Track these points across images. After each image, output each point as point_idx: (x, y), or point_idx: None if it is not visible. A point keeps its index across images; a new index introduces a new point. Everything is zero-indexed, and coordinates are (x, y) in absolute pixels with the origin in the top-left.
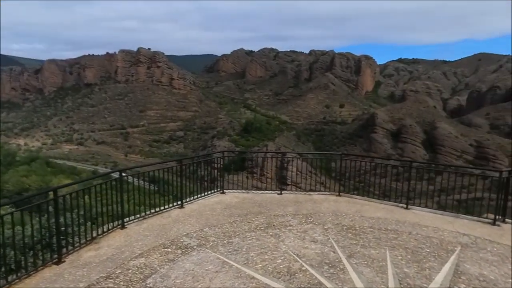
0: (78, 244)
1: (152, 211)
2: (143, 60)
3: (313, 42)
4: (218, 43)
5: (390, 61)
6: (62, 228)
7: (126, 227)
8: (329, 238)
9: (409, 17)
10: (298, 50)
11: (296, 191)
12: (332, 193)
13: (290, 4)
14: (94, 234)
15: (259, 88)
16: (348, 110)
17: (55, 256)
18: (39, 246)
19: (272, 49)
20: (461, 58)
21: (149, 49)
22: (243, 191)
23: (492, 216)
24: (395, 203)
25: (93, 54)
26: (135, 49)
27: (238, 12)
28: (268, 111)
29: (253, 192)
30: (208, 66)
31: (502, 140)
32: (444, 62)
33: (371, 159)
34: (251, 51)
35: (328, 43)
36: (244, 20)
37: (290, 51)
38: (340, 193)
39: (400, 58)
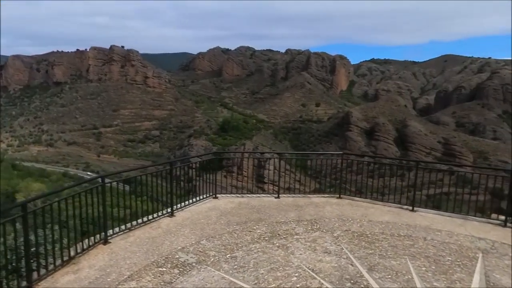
0: (53, 266)
1: (139, 221)
2: (117, 58)
3: (289, 41)
4: (193, 41)
5: (363, 61)
6: (33, 249)
7: (110, 242)
8: (342, 248)
9: (381, 18)
10: (275, 49)
11: (293, 194)
12: (332, 195)
13: (266, 3)
14: (72, 253)
15: (236, 86)
16: (324, 108)
17: (24, 284)
18: (3, 273)
19: (248, 48)
20: (429, 59)
21: (123, 47)
22: (237, 195)
23: (494, 216)
24: (399, 205)
25: (62, 51)
26: (107, 46)
27: (213, 10)
28: (245, 109)
29: (248, 196)
30: (183, 64)
31: (467, 137)
32: (414, 62)
33: (371, 158)
34: (228, 50)
35: (304, 42)
36: (220, 19)
37: (267, 50)
38: (341, 195)
39: (373, 58)
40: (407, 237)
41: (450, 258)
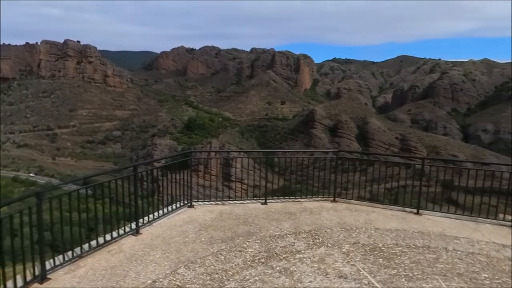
0: None
1: (93, 243)
2: (72, 54)
3: (253, 41)
4: (156, 39)
5: (326, 60)
6: None
7: (50, 279)
8: (358, 269)
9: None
10: (240, 48)
11: (281, 198)
12: (325, 198)
13: (230, 3)
14: None
15: (201, 85)
16: (289, 106)
17: None
18: None
19: (213, 47)
20: (387, 60)
21: (79, 42)
22: (217, 202)
23: (501, 216)
24: (402, 208)
25: (9, 44)
26: (61, 40)
27: (176, 8)
28: (211, 108)
29: (230, 203)
30: (146, 63)
31: (421, 133)
32: (373, 63)
33: (368, 155)
34: (192, 49)
35: (268, 41)
36: (184, 17)
37: (232, 49)
38: (336, 199)
39: (335, 58)
40: (426, 248)
41: (486, 275)
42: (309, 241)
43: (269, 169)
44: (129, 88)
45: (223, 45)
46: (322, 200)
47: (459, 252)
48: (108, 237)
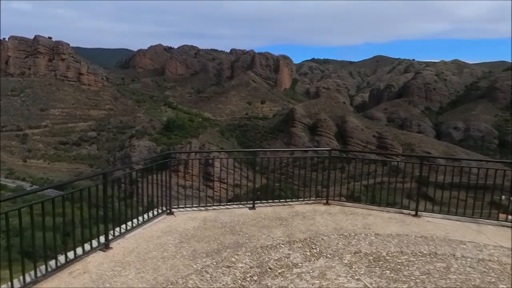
0: None
1: (52, 264)
2: (43, 50)
3: (232, 41)
4: (132, 36)
5: (305, 60)
6: None
7: None
8: (366, 284)
9: (320, 21)
10: (219, 49)
11: (270, 201)
12: (317, 200)
13: (210, 2)
14: None
15: (180, 85)
16: (269, 106)
17: None
18: None
19: (192, 47)
20: (363, 60)
21: (50, 38)
22: (200, 207)
23: (503, 216)
24: (399, 210)
25: None
26: (30, 36)
27: (154, 5)
28: (190, 109)
29: (214, 209)
30: (122, 61)
31: (397, 131)
32: (350, 62)
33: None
34: (171, 48)
35: (247, 42)
36: (161, 14)
37: (211, 49)
38: (329, 201)
39: (313, 58)
40: (434, 256)
41: (504, 286)
42: (305, 251)
43: (251, 168)
44: (105, 87)
45: (202, 44)
46: (314, 203)
47: (469, 259)
48: (70, 254)
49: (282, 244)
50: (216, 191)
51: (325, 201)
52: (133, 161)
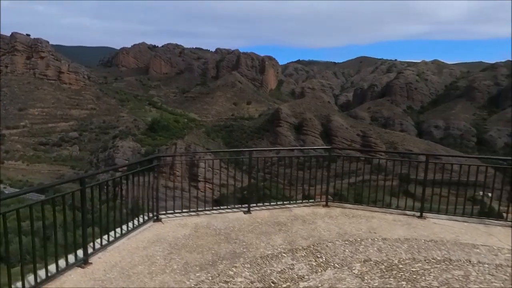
0: None
1: (19, 286)
2: (21, 48)
3: (217, 41)
4: (115, 34)
5: (290, 62)
6: None
7: None
8: None
9: (305, 22)
10: (204, 48)
11: (267, 204)
12: (317, 203)
13: (195, 1)
14: None
15: (164, 85)
16: (255, 106)
17: None
18: None
19: (177, 45)
20: (347, 60)
21: (28, 35)
22: (190, 212)
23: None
24: (402, 211)
25: None
26: (7, 33)
27: (138, 2)
28: (175, 109)
29: (205, 214)
30: (105, 59)
31: (380, 130)
32: (334, 63)
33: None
34: (155, 46)
35: (232, 42)
36: (145, 12)
37: (196, 48)
38: (328, 203)
39: (299, 59)
40: (449, 262)
41: None
42: (310, 261)
43: (238, 168)
44: (87, 86)
45: (186, 43)
46: (313, 205)
47: (486, 265)
48: (42, 273)
49: (284, 253)
50: (202, 191)
51: (324, 203)
52: (116, 164)
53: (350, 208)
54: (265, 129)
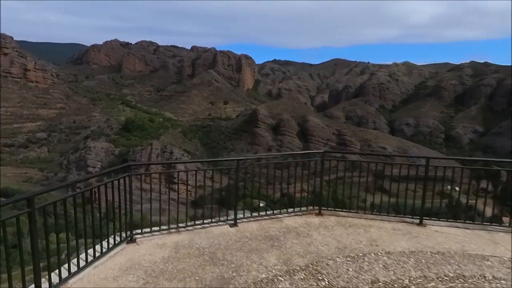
0: None
1: None
2: None
3: (192, 38)
4: (85, 30)
5: (267, 61)
6: None
7: None
8: None
9: (281, 22)
10: (179, 46)
11: (254, 215)
12: (309, 211)
13: None
14: None
15: (139, 83)
16: (232, 106)
17: None
18: None
19: (151, 42)
20: (322, 62)
21: None
22: (170, 229)
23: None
24: (401, 217)
25: None
26: None
27: None
28: (150, 108)
29: (187, 230)
30: (74, 57)
31: (355, 128)
32: (310, 65)
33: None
34: (128, 43)
35: (208, 40)
36: (117, 7)
37: (171, 46)
38: (321, 210)
39: (275, 59)
40: (462, 279)
41: None
42: (311, 285)
43: (217, 171)
44: (55, 84)
45: (161, 41)
46: (305, 215)
47: (503, 281)
48: None
49: (280, 275)
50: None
51: (317, 211)
52: (88, 165)
53: (344, 216)
54: (243, 130)
